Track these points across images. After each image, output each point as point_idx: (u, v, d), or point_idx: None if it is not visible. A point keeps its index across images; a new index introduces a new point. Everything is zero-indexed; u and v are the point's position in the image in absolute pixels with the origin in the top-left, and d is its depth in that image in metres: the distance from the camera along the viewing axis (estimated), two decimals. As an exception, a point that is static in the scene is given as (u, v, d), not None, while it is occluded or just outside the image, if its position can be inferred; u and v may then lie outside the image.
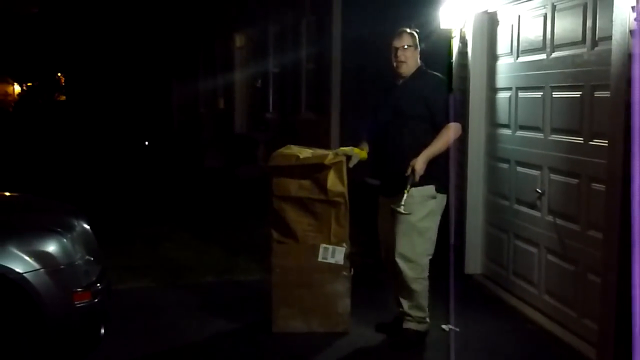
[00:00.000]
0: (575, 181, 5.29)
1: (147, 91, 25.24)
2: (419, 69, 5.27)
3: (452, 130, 5.13)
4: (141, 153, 19.73)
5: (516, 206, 6.21)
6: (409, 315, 5.23)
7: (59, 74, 47.14)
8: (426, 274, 5.26)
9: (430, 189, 5.14)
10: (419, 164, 5.00)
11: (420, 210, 5.14)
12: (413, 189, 5.07)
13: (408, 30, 5.28)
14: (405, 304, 5.24)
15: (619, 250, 4.32)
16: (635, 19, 3.82)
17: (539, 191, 5.74)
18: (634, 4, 3.88)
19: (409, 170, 5.00)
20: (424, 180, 5.06)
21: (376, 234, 5.54)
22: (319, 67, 12.71)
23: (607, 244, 4.58)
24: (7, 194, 5.43)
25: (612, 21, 4.45)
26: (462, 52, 6.89)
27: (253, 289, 6.58)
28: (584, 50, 5.15)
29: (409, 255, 5.15)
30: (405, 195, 5.03)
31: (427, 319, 5.30)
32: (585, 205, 5.14)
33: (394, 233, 5.19)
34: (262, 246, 5.73)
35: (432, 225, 5.24)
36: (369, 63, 9.23)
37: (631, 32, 4.10)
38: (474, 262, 6.87)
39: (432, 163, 5.08)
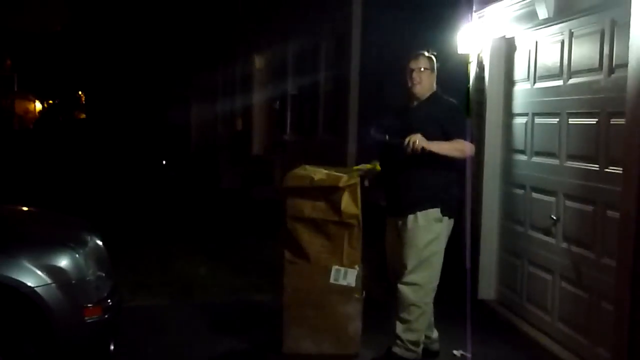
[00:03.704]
0: (590, 208, 5.25)
1: (166, 111, 25.42)
2: (434, 94, 5.27)
3: (465, 146, 5.08)
4: (158, 172, 19.82)
5: (531, 232, 6.18)
6: (400, 339, 5.15)
7: (80, 92, 47.58)
8: (429, 299, 5.21)
9: (435, 212, 5.12)
10: (420, 143, 4.89)
11: (426, 234, 5.12)
12: (418, 213, 5.08)
13: (426, 53, 5.28)
14: (399, 326, 5.16)
15: (632, 279, 4.28)
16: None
17: (554, 218, 5.70)
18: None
19: (406, 140, 4.90)
20: (429, 204, 5.05)
21: (386, 257, 5.52)
22: (337, 89, 12.76)
23: (620, 271, 4.54)
24: (22, 208, 5.47)
25: (628, 48, 4.44)
26: (479, 77, 6.90)
27: (264, 309, 6.56)
28: (601, 77, 5.13)
29: (414, 280, 5.13)
30: (409, 217, 5.01)
31: (419, 348, 5.20)
32: (600, 232, 5.10)
33: (401, 258, 5.17)
34: (275, 266, 5.72)
35: (437, 250, 5.19)
36: (387, 86, 9.25)
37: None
38: (488, 287, 6.83)
39: (438, 186, 5.08)
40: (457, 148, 5.06)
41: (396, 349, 5.18)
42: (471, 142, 5.20)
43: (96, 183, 16.53)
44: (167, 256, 8.73)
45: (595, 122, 5.20)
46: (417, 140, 4.91)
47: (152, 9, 27.47)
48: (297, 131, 15.34)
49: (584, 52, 5.38)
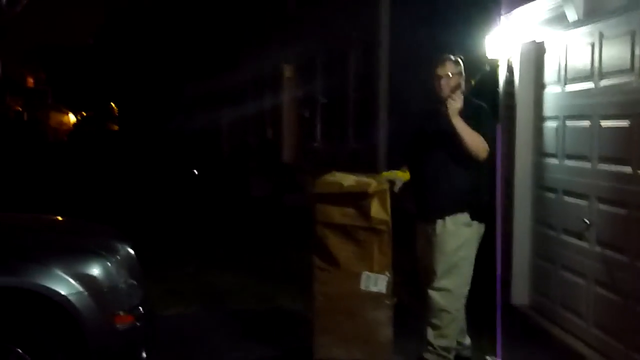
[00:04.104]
0: (624, 211, 5.18)
1: (196, 120, 25.58)
2: (463, 97, 5.24)
3: (482, 145, 5.04)
4: (190, 181, 19.94)
5: (563, 236, 6.11)
6: (432, 345, 5.14)
7: (112, 104, 48.14)
8: (459, 304, 5.19)
9: (464, 216, 5.10)
10: (454, 109, 4.96)
11: (454, 239, 5.10)
12: (447, 217, 5.08)
13: (452, 57, 5.27)
14: (430, 332, 5.15)
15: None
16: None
17: (587, 221, 5.63)
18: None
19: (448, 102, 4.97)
20: (457, 208, 5.04)
21: (417, 262, 5.50)
22: (366, 96, 12.76)
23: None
24: (54, 217, 5.54)
25: (660, 48, 4.39)
26: (509, 81, 6.85)
27: (295, 316, 6.56)
28: (633, 78, 5.07)
29: (444, 286, 5.11)
30: (438, 222, 5.02)
31: (451, 355, 5.18)
32: (634, 235, 5.03)
33: (430, 263, 5.15)
34: (305, 274, 5.72)
35: (467, 255, 5.17)
36: (416, 92, 9.22)
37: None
38: (521, 293, 6.76)
39: (466, 190, 5.08)
40: (474, 140, 5.01)
41: (428, 355, 5.16)
42: (502, 148, 5.15)
43: (129, 192, 16.67)
44: (198, 264, 8.77)
45: (627, 124, 5.13)
46: (452, 109, 4.95)
47: (182, 20, 27.71)
48: (327, 139, 15.36)
49: (615, 53, 5.32)
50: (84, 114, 58.54)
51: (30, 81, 65.38)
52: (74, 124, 58.65)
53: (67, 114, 61.37)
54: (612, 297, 5.33)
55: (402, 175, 5.37)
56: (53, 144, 40.32)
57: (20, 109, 55.67)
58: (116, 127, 47.92)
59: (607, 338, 5.38)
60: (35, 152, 30.10)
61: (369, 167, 11.06)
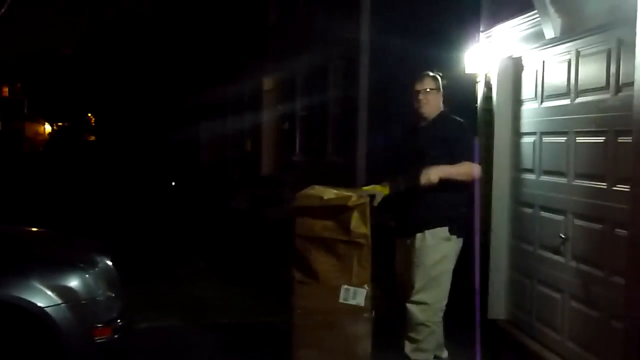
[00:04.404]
0: (599, 226, 5.25)
1: (175, 132, 25.52)
2: (441, 113, 5.31)
3: (470, 166, 5.09)
4: (168, 194, 19.88)
5: (540, 251, 6.17)
6: (409, 358, 5.17)
7: (89, 115, 47.87)
8: (437, 318, 5.22)
9: (443, 230, 5.14)
10: (431, 175, 4.95)
11: (433, 254, 5.14)
12: (427, 232, 5.11)
13: (430, 73, 5.32)
14: (407, 346, 5.18)
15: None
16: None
17: (563, 236, 5.70)
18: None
19: (422, 175, 4.95)
20: (438, 222, 5.06)
21: (395, 277, 5.53)
22: (345, 111, 12.82)
23: (630, 290, 4.53)
24: (32, 229, 5.51)
25: (634, 67, 4.46)
26: (487, 97, 6.92)
27: (274, 330, 6.56)
28: (608, 95, 5.15)
29: (422, 299, 5.14)
30: (417, 236, 5.07)
31: None
32: (609, 251, 5.09)
33: (409, 277, 5.18)
34: (285, 287, 5.73)
35: (446, 269, 5.21)
36: (396, 107, 9.29)
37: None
38: (498, 307, 6.81)
39: (446, 205, 5.09)
40: (465, 172, 5.08)
41: (406, 368, 5.18)
42: (478, 162, 5.21)
43: (106, 205, 16.59)
44: (178, 277, 8.75)
45: (602, 141, 5.21)
46: (431, 176, 4.96)
47: (160, 31, 27.68)
48: (306, 152, 15.39)
49: (591, 71, 5.40)
50: (60, 125, 58.15)
51: (6, 91, 64.91)
52: (50, 134, 58.25)
53: (43, 124, 60.95)
54: (588, 311, 5.38)
55: (381, 190, 5.41)
56: (28, 155, 40.01)
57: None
58: (93, 138, 47.66)
59: (583, 352, 5.43)
60: (10, 162, 29.85)
61: (348, 181, 11.09)
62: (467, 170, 5.09)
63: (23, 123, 58.52)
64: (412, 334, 5.16)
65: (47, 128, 60.57)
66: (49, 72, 55.61)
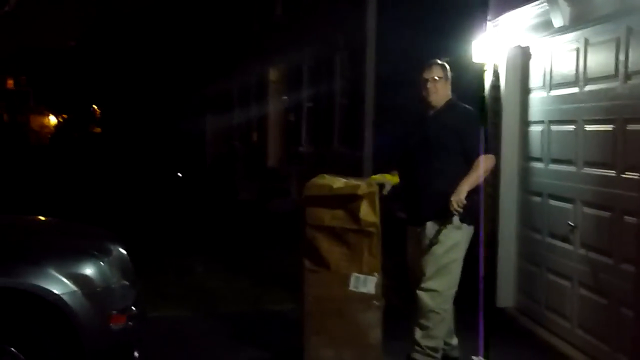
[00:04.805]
0: (608, 214, 5.28)
1: (181, 124, 25.56)
2: (449, 101, 5.33)
3: (487, 162, 5.15)
4: (175, 185, 19.93)
5: (549, 239, 6.20)
6: (419, 345, 5.20)
7: (95, 107, 47.86)
8: (447, 306, 5.25)
9: (455, 219, 5.16)
10: (460, 200, 5.00)
11: (445, 242, 5.17)
12: (437, 220, 5.15)
13: (438, 61, 5.34)
14: (417, 332, 5.21)
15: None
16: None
17: (572, 224, 5.73)
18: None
19: (452, 207, 5.01)
20: (448, 211, 5.08)
21: (407, 265, 5.56)
22: (352, 101, 12.82)
23: (638, 277, 4.56)
24: (46, 219, 5.56)
25: (644, 54, 4.49)
26: (495, 86, 6.93)
27: (284, 318, 6.61)
28: (617, 83, 5.17)
29: (432, 287, 5.17)
30: (428, 225, 5.13)
31: (438, 354, 5.24)
32: (618, 238, 5.12)
33: (420, 266, 5.22)
34: (293, 277, 5.77)
35: (456, 257, 5.24)
36: (403, 97, 9.29)
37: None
38: (507, 295, 6.85)
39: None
40: (485, 170, 5.14)
41: (415, 355, 5.22)
42: (487, 152, 5.22)
43: (115, 196, 16.64)
44: (188, 268, 8.81)
45: (611, 129, 5.23)
46: (456, 202, 5.00)
47: (166, 22, 27.68)
48: (313, 143, 15.41)
49: (600, 59, 5.42)
50: (66, 117, 58.22)
51: (11, 83, 64.97)
52: (56, 127, 58.33)
53: (49, 116, 61.04)
54: (597, 298, 5.42)
55: (390, 179, 5.44)
56: (35, 147, 40.09)
57: (1, 112, 55.30)
58: (99, 130, 47.71)
59: (592, 339, 5.47)
60: (16, 155, 29.93)
61: (355, 172, 11.12)
62: (486, 167, 5.15)
63: (28, 116, 58.61)
64: (422, 321, 5.20)
65: (53, 120, 60.65)
66: (54, 65, 55.64)
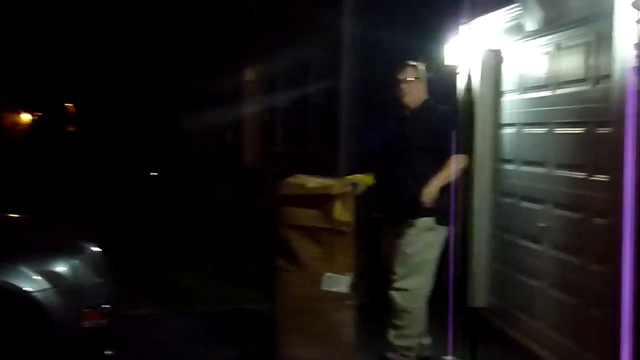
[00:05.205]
0: (578, 215, 5.36)
1: (157, 123, 25.45)
2: (425, 102, 5.37)
3: (458, 162, 5.20)
4: (150, 184, 19.86)
5: (520, 240, 6.27)
6: (393, 345, 5.24)
7: (69, 105, 47.40)
8: (420, 305, 5.28)
9: (428, 220, 5.20)
10: (432, 192, 5.05)
11: (418, 242, 5.21)
12: (412, 221, 5.19)
13: (412, 62, 5.38)
14: (390, 332, 5.25)
15: (619, 284, 4.37)
16: (636, 56, 3.92)
17: (543, 225, 5.80)
18: (635, 41, 3.98)
19: (422, 199, 5.05)
20: (423, 212, 5.13)
21: (382, 265, 5.60)
22: (328, 102, 12.85)
23: (608, 277, 4.63)
24: (20, 216, 5.54)
25: (612, 59, 4.56)
26: (468, 89, 7.00)
27: (258, 317, 6.62)
28: (587, 87, 5.25)
29: (404, 286, 5.21)
30: (403, 225, 5.15)
31: (412, 353, 5.28)
32: (587, 239, 5.20)
33: (393, 263, 5.26)
34: (268, 276, 5.80)
35: (430, 258, 5.28)
36: (378, 98, 9.36)
37: (631, 69, 4.20)
38: (479, 295, 6.91)
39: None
40: (453, 170, 5.19)
41: (390, 355, 5.25)
42: (460, 152, 5.27)
43: (89, 194, 16.55)
44: (162, 266, 8.81)
45: (582, 132, 5.31)
46: (427, 197, 5.05)
47: (142, 21, 27.56)
48: (289, 143, 15.43)
49: (571, 63, 5.50)
50: (40, 114, 57.70)
51: (-19, 80, 64.09)
52: (30, 124, 57.75)
53: (22, 113, 60.40)
54: (567, 299, 5.49)
55: (364, 178, 5.49)
56: (9, 145, 39.68)
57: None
58: (73, 128, 47.32)
59: (562, 339, 5.54)
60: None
61: (331, 172, 11.15)
62: (458, 166, 5.20)
63: (1, 113, 57.91)
64: (395, 321, 5.24)
65: (26, 117, 60.07)
66: (26, 61, 55.10)
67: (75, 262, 4.25)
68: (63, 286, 4.11)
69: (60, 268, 4.16)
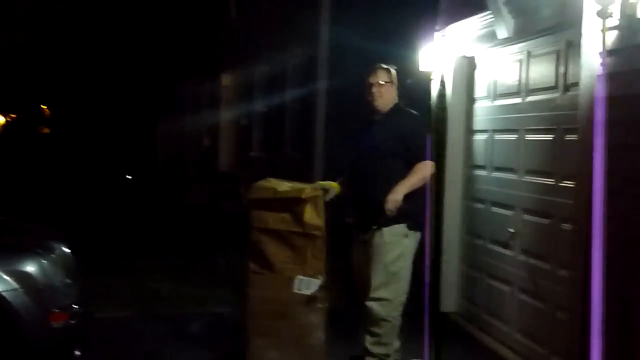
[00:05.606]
0: (546, 221, 5.42)
1: (133, 126, 25.36)
2: (395, 106, 5.33)
3: (426, 167, 5.15)
4: (125, 188, 19.78)
5: (490, 245, 6.34)
6: (370, 352, 5.21)
7: (44, 107, 47.01)
8: (398, 313, 5.26)
9: (402, 227, 5.16)
10: (396, 200, 5.00)
11: (392, 250, 5.16)
12: (384, 229, 5.13)
13: (384, 66, 5.36)
14: (368, 339, 5.21)
15: (584, 289, 4.44)
16: (601, 64, 3.99)
17: (512, 231, 5.87)
18: (601, 49, 4.05)
19: (387, 206, 5.00)
20: (395, 219, 5.08)
21: (352, 272, 5.60)
22: (304, 108, 12.91)
23: (573, 282, 4.70)
24: (-10, 217, 5.52)
25: (580, 67, 4.64)
26: (441, 95, 7.06)
27: (230, 320, 6.63)
28: (557, 95, 5.33)
29: (383, 295, 5.18)
30: (375, 233, 5.13)
31: (389, 359, 5.28)
32: (555, 245, 5.27)
33: (368, 273, 5.25)
34: (240, 279, 5.81)
35: (405, 265, 5.23)
36: (354, 103, 9.38)
37: (597, 76, 4.27)
38: (450, 300, 6.97)
39: (404, 201, 5.05)
40: (423, 176, 5.14)
41: (369, 359, 5.24)
42: (432, 159, 5.23)
43: (63, 197, 16.46)
44: (134, 269, 8.78)
45: (551, 138, 5.38)
46: (391, 202, 5.00)
47: (118, 23, 27.45)
48: (264, 148, 15.45)
49: (541, 71, 5.58)
50: (14, 116, 57.14)
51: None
52: (4, 126, 57.19)
53: (-5, 115, 59.78)
54: (535, 303, 5.56)
55: (335, 186, 5.49)
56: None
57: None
58: (47, 130, 46.93)
59: (530, 343, 5.61)
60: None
61: (306, 178, 11.18)
62: (425, 172, 5.15)
63: (-26, 116, 57.21)
64: (373, 329, 5.19)
65: (0, 120, 59.43)
66: (0, 63, 54.52)
67: (45, 262, 4.23)
68: (32, 286, 4.10)
69: (30, 268, 4.15)
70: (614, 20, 4.14)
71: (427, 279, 5.64)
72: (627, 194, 4.12)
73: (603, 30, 3.96)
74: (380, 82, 5.27)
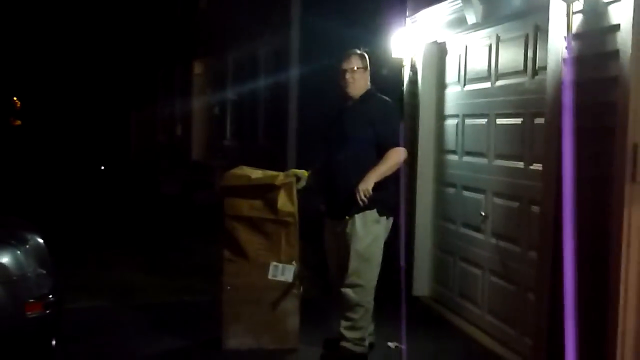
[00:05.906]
0: (516, 204, 5.50)
1: (105, 117, 25.21)
2: (368, 92, 5.34)
3: (397, 154, 5.19)
4: (97, 178, 19.68)
5: (462, 229, 6.41)
6: (344, 336, 5.26)
7: (15, 98, 46.53)
8: (371, 297, 5.31)
9: (373, 213, 5.18)
10: (367, 189, 5.01)
11: (365, 237, 5.20)
12: (356, 215, 5.15)
13: (357, 51, 5.36)
14: (342, 324, 5.25)
15: (552, 270, 4.52)
16: (566, 48, 4.05)
17: (483, 214, 5.94)
18: (565, 34, 4.11)
19: (358, 195, 5.01)
20: (366, 206, 5.09)
21: (325, 256, 5.65)
22: (276, 96, 12.90)
23: (541, 263, 4.78)
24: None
25: (548, 51, 4.70)
26: (413, 81, 7.12)
27: (205, 309, 6.65)
28: (525, 79, 5.39)
29: (356, 282, 5.21)
30: (349, 222, 5.17)
31: (365, 343, 5.33)
32: (525, 227, 5.34)
33: (340, 259, 5.30)
34: (215, 268, 5.84)
35: (377, 250, 5.28)
36: (325, 92, 9.41)
37: (564, 60, 4.34)
38: (422, 284, 7.04)
39: (375, 188, 5.06)
40: (395, 162, 5.17)
41: (344, 344, 5.26)
42: (404, 145, 5.28)
43: (35, 189, 16.35)
44: (108, 259, 8.77)
45: (520, 122, 5.45)
46: (362, 191, 5.00)
47: (88, 13, 27.22)
48: (237, 137, 15.43)
49: (510, 55, 5.64)
50: (-15, 109, 56.43)
51: None
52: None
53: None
54: (506, 285, 5.64)
55: (307, 175, 5.53)
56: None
57: None
58: (19, 122, 46.49)
59: (501, 324, 5.70)
60: None
61: (279, 166, 11.19)
62: (396, 159, 5.17)
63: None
64: (348, 314, 5.23)
65: (-30, 112, 58.70)
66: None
67: (19, 253, 4.23)
68: (5, 277, 4.10)
69: (3, 259, 4.15)
70: (579, 4, 4.20)
71: (402, 263, 5.70)
72: (594, 177, 4.19)
73: (568, 15, 4.02)
74: (355, 67, 5.27)
